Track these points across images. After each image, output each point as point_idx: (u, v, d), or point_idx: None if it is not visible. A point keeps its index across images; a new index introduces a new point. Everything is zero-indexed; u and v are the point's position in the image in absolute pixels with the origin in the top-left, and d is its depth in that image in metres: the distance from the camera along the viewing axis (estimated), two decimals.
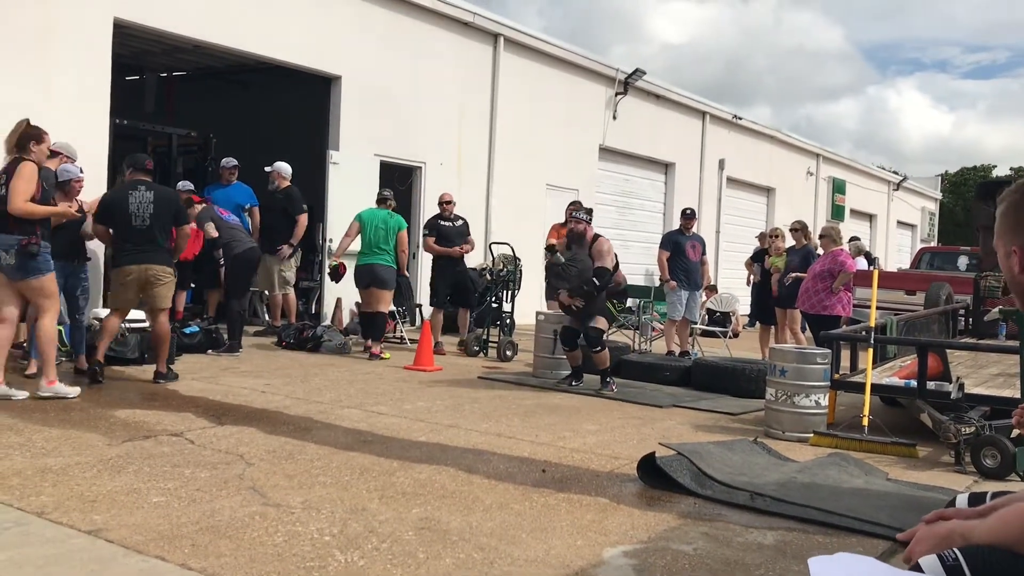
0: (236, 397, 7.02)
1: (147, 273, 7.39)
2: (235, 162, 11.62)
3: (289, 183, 11.28)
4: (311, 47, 12.15)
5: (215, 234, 9.44)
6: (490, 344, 10.74)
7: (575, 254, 8.47)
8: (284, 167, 11.32)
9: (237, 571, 3.39)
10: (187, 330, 9.46)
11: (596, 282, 8.13)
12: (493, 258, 11.59)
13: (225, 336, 9.57)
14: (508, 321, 11.06)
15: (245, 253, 9.74)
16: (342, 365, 9.29)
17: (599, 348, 8.36)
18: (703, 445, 5.72)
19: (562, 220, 11.42)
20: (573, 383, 8.50)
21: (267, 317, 11.80)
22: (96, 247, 8.56)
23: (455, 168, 14.38)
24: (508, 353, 10.38)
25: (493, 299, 11.18)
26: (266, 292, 11.65)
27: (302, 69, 12.38)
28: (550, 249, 8.50)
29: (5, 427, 5.52)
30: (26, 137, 6.63)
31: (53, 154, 8.45)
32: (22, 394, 6.45)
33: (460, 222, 11.06)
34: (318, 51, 12.25)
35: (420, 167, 13.99)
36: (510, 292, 11.24)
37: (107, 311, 8.11)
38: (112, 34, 9.98)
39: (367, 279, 10.03)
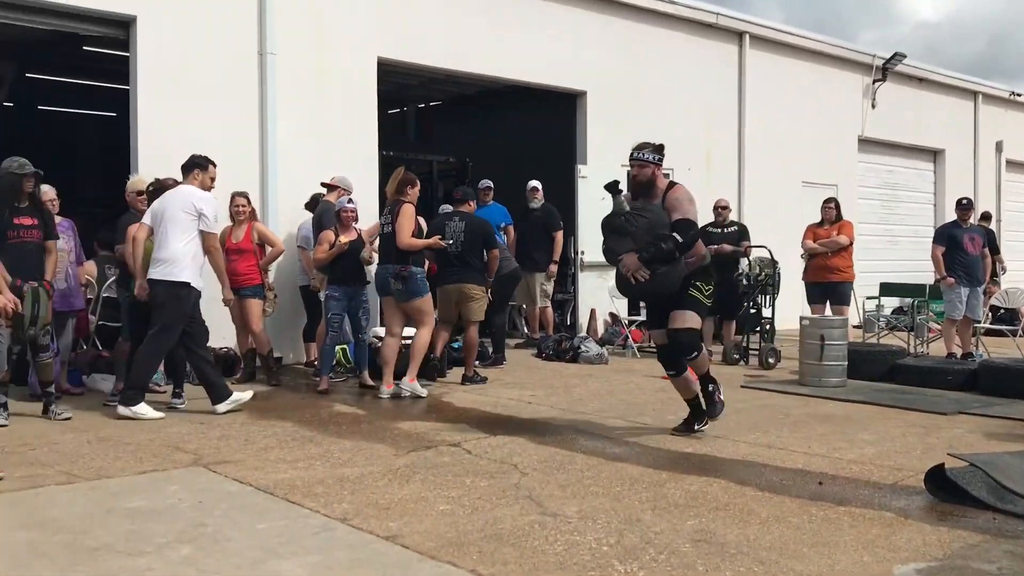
0: (505, 408, 7.31)
1: (461, 291, 8.47)
2: (490, 183, 12.11)
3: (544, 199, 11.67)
4: (556, 66, 12.45)
5: None
6: (750, 352, 10.47)
7: (644, 205, 6.00)
8: (539, 184, 11.71)
9: None
10: (454, 344, 9.97)
11: (678, 238, 5.65)
12: (749, 262, 11.29)
13: (490, 349, 9.99)
14: (768, 327, 10.72)
15: (510, 273, 10.12)
16: (600, 375, 9.41)
17: (694, 354, 6.07)
18: (999, 456, 5.25)
19: (818, 219, 10.94)
20: (697, 426, 6.25)
21: (526, 330, 12.19)
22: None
23: (704, 172, 14.16)
24: (770, 360, 10.06)
25: (751, 305, 10.88)
26: (524, 306, 12.05)
27: (548, 88, 12.71)
28: (611, 188, 5.99)
29: (306, 439, 6.08)
30: (403, 183, 7.96)
31: (331, 188, 9.27)
32: (423, 391, 7.91)
33: (732, 228, 10.94)
34: (562, 69, 12.53)
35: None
36: (769, 296, 10.89)
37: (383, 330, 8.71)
38: (376, 72, 10.76)
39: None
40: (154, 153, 8.99)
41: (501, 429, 6.44)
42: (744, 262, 10.91)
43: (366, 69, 10.66)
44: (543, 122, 14.34)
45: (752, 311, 10.80)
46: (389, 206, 7.97)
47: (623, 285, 6.01)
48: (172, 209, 6.97)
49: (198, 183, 7.16)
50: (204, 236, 7.02)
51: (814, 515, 4.40)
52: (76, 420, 6.66)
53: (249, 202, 8.72)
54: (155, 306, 6.95)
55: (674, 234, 5.63)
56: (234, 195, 8.64)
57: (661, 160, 5.97)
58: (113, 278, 8.51)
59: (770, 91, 15.00)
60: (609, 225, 5.98)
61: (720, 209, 10.98)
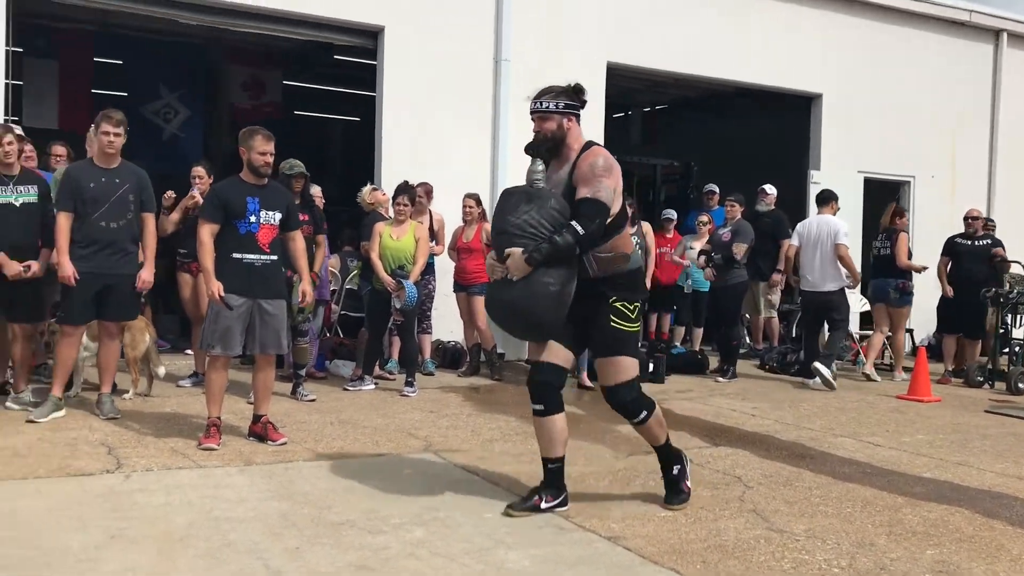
0: (727, 419, 7.16)
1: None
2: (715, 188, 11.89)
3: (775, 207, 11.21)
4: (790, 68, 12.05)
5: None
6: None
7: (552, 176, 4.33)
8: (773, 189, 11.22)
9: None
10: (674, 350, 9.88)
11: (579, 229, 4.01)
12: (1001, 279, 10.42)
13: (718, 359, 9.77)
14: (1019, 349, 9.85)
15: (738, 285, 9.75)
16: (829, 391, 9.00)
17: (643, 415, 4.39)
18: None
19: None
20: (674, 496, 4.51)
21: (748, 340, 11.83)
22: None
23: (948, 180, 13.24)
24: (1020, 385, 9.24)
25: (1001, 324, 10.04)
26: (747, 316, 11.68)
27: (781, 91, 12.32)
28: (531, 150, 4.35)
29: (528, 434, 6.14)
30: (895, 214, 9.93)
31: None
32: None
33: (985, 242, 10.17)
34: (797, 71, 12.11)
35: (908, 182, 13.10)
36: (1022, 316, 10.02)
37: None
38: (605, 76, 10.84)
39: None
40: (396, 155, 9.53)
41: (723, 439, 6.32)
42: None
43: (595, 73, 10.75)
44: (774, 126, 13.90)
45: (1001, 330, 9.97)
46: (885, 232, 9.81)
47: (489, 301, 4.47)
48: None
49: None
50: None
51: None
52: (319, 402, 7.18)
53: (479, 203, 9.02)
54: None
55: (573, 224, 3.99)
56: (465, 197, 8.97)
57: (575, 109, 4.24)
58: (355, 272, 9.08)
59: None
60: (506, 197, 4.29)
61: (971, 220, 10.17)
